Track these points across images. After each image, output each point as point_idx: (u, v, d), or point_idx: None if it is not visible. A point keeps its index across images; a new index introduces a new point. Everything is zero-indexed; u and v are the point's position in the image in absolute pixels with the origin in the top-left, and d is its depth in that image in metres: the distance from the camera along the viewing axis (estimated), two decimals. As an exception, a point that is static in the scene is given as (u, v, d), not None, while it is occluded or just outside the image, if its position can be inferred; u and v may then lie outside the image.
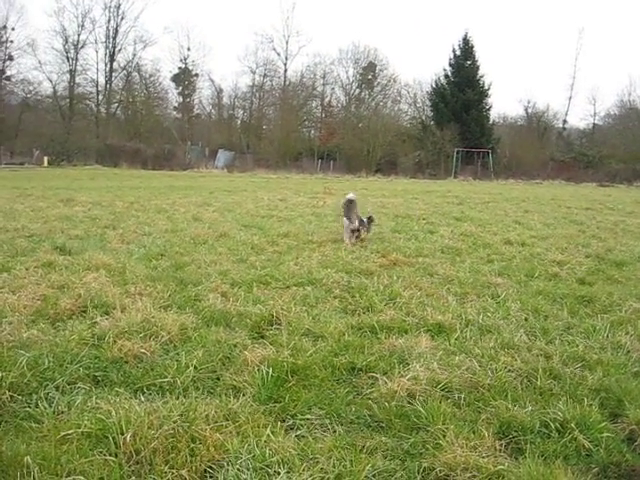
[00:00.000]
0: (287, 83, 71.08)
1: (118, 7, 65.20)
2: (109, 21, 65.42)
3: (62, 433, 3.53)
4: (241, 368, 4.69)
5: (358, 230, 11.37)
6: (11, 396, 4.06)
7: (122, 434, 3.45)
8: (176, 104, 73.11)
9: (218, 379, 4.54)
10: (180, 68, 70.31)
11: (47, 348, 4.90)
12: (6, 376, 4.21)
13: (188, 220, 13.85)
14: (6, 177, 32.86)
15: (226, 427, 3.64)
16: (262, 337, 5.50)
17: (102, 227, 12.28)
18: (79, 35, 64.48)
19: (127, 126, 65.74)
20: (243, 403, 4.04)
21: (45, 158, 52.48)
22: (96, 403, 3.94)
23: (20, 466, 3.18)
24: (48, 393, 4.15)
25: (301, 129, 70.12)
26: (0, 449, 3.37)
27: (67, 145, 56.10)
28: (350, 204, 11.33)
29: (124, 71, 67.47)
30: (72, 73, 64.64)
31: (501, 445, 3.67)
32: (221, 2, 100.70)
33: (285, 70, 70.56)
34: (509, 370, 4.83)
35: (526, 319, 6.33)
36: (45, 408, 3.90)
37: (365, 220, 11.82)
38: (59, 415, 3.84)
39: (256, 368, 4.62)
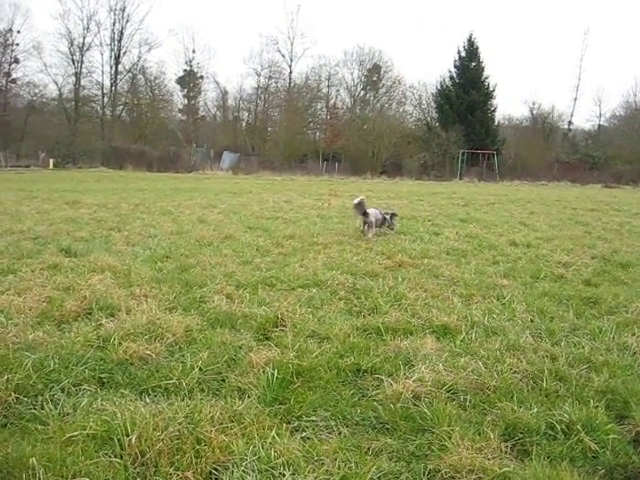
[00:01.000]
0: (292, 85, 71.18)
1: (123, 10, 65.35)
2: (114, 24, 65.58)
3: (67, 435, 3.53)
4: (246, 370, 4.68)
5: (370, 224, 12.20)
6: (17, 398, 4.07)
7: (127, 436, 3.45)
8: (181, 106, 73.25)
9: (223, 381, 4.54)
10: (185, 70, 70.41)
11: (53, 350, 4.91)
12: (12, 378, 4.22)
13: (193, 222, 13.86)
14: (12, 179, 32.98)
15: (231, 429, 3.63)
16: (267, 339, 5.49)
17: (107, 229, 12.30)
18: (84, 38, 64.66)
19: (132, 128, 65.91)
20: (248, 405, 4.03)
21: (51, 160, 52.59)
22: (101, 405, 3.94)
23: (26, 468, 3.19)
24: (54, 395, 4.15)
25: (306, 131, 70.15)
26: (6, 450, 3.37)
27: (72, 147, 56.32)
28: (359, 205, 12.11)
29: (129, 73, 67.57)
30: (77, 76, 64.77)
31: (507, 447, 3.67)
32: (226, 4, 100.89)
33: (290, 72, 70.68)
34: (515, 372, 4.81)
35: (532, 320, 6.32)
36: (50, 410, 3.91)
37: (388, 217, 12.63)
38: (64, 417, 3.84)
39: (261, 370, 4.62)
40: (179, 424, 3.57)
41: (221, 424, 3.67)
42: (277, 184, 36.26)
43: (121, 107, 68.42)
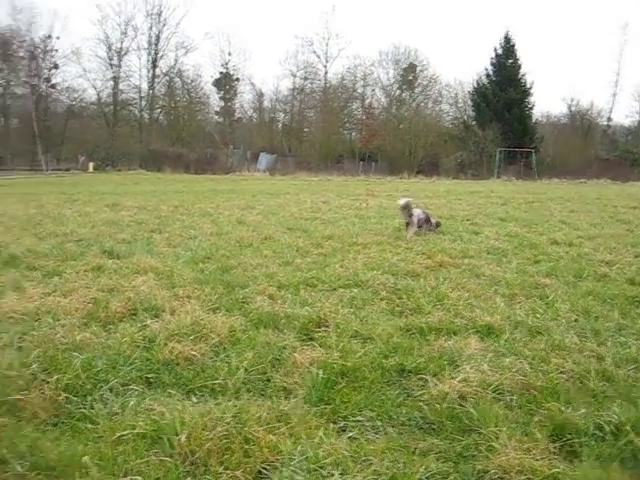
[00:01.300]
0: (327, 85, 71.20)
1: (160, 14, 66.09)
2: (151, 28, 66.34)
3: (117, 434, 3.59)
4: (291, 370, 4.70)
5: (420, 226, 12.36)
6: (67, 397, 4.14)
7: (176, 435, 3.49)
8: (218, 108, 73.71)
9: (268, 381, 4.57)
10: (221, 73, 70.79)
11: (100, 350, 4.98)
12: (62, 378, 4.30)
13: (232, 223, 13.94)
14: (53, 183, 33.59)
15: (279, 429, 3.65)
16: (311, 339, 5.50)
17: (148, 231, 12.44)
18: (122, 42, 65.56)
19: (170, 131, 66.60)
20: (294, 405, 4.05)
21: (90, 164, 53.46)
22: (149, 404, 3.99)
23: (79, 466, 3.24)
24: (102, 395, 4.21)
25: (342, 131, 70.19)
26: (59, 449, 3.43)
27: (111, 151, 57.11)
28: (405, 208, 12.25)
29: (166, 77, 68.28)
30: (115, 80, 65.71)
31: (555, 448, 3.63)
32: (261, 7, 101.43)
33: (325, 72, 70.75)
34: (561, 372, 4.76)
35: (576, 320, 6.23)
36: (100, 409, 3.97)
37: (433, 221, 12.76)
38: (114, 416, 3.90)
39: (306, 370, 4.64)
40: (227, 424, 3.59)
41: (268, 424, 3.70)
42: (314, 185, 36.29)
43: (158, 110, 69.19)
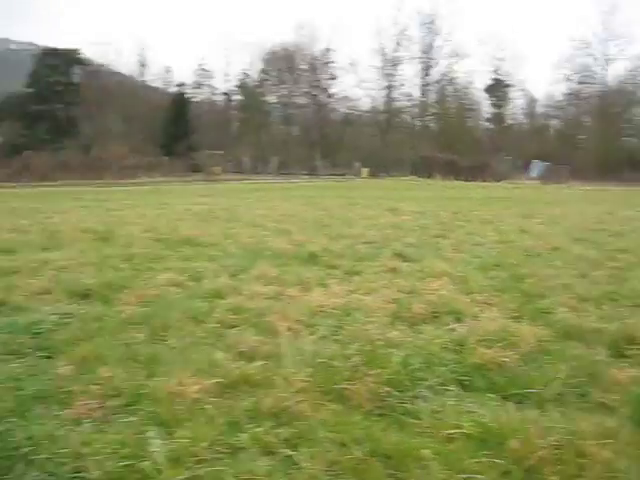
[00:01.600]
0: (606, 89, 67.51)
1: (433, 23, 67.13)
2: (424, 37, 67.70)
3: (445, 432, 3.69)
4: (609, 386, 4.52)
5: None
6: (388, 391, 4.32)
7: (505, 439, 3.51)
8: (488, 115, 73.08)
9: (583, 395, 4.42)
10: (493, 79, 70.15)
11: (411, 349, 5.12)
12: (382, 372, 4.50)
13: (515, 231, 13.76)
14: (332, 187, 35.47)
15: (609, 445, 3.53)
16: (623, 356, 5.24)
17: (433, 236, 12.68)
18: (396, 52, 67.63)
19: (440, 137, 67.27)
20: (619, 423, 3.89)
21: (365, 169, 55.82)
22: (469, 406, 4.05)
23: (415, 458, 3.39)
24: (420, 392, 4.33)
25: (621, 138, 66.16)
26: (390, 439, 3.62)
27: (384, 157, 59.09)
28: None
29: (438, 84, 69.18)
30: (389, 89, 67.90)
31: None
32: (534, 10, 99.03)
33: (603, 76, 67.16)
34: None
35: None
36: (421, 406, 4.10)
37: None
38: (435, 414, 3.99)
39: (626, 388, 4.44)
40: (558, 434, 3.55)
41: (596, 439, 3.59)
42: (590, 194, 34.60)
43: (430, 117, 70.25)
